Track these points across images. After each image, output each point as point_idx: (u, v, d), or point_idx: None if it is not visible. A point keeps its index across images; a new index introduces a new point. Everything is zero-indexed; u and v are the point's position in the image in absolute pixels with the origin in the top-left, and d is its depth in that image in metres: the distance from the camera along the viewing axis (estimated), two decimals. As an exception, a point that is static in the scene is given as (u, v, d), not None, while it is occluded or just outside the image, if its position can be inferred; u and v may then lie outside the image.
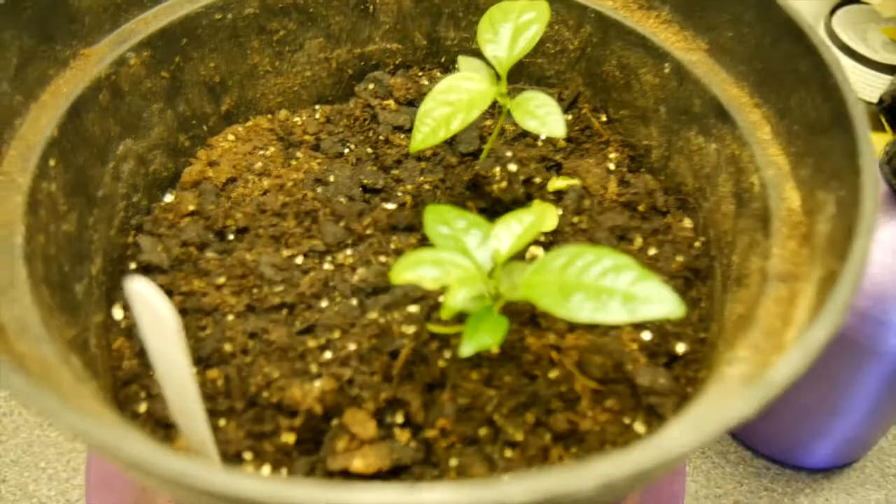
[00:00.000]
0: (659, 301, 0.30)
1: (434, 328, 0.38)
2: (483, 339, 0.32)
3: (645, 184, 0.44)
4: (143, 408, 0.37)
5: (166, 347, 0.27)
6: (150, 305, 0.26)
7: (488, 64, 0.40)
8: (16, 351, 0.28)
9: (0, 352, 0.23)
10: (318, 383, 0.36)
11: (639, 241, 0.42)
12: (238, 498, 0.20)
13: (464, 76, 0.39)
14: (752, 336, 0.30)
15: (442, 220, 0.36)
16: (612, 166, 0.45)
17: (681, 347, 0.38)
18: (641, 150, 0.45)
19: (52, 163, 0.35)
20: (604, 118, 0.47)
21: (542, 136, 0.47)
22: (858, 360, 0.46)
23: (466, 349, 0.31)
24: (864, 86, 0.75)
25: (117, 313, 0.41)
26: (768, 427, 0.54)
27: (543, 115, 0.38)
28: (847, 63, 0.76)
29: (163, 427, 0.36)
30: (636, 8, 0.43)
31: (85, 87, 0.37)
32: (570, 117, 0.47)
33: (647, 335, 0.39)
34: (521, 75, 0.49)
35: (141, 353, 0.39)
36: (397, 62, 0.50)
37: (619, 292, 0.30)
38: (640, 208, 0.43)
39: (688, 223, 0.43)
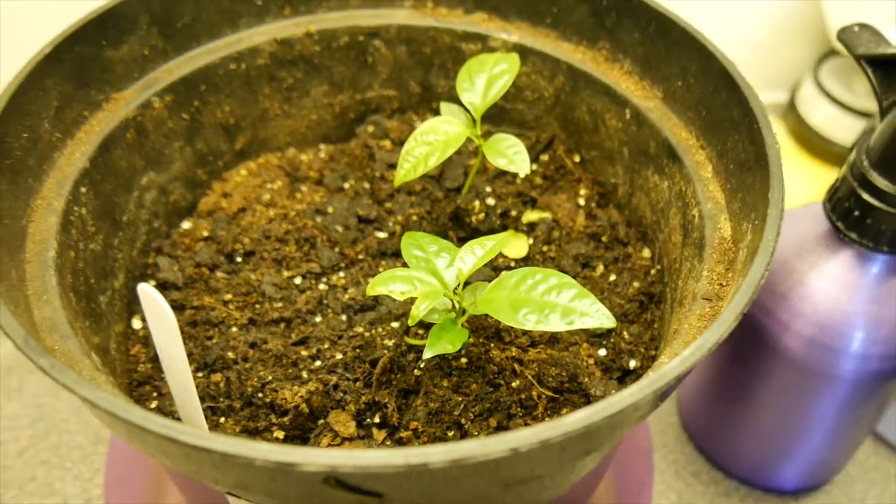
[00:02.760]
0: (593, 315, 0.35)
1: (411, 341, 0.43)
2: (444, 345, 0.37)
3: (609, 217, 0.49)
4: (153, 405, 0.43)
5: (168, 342, 0.33)
6: (155, 305, 0.31)
7: (466, 109, 0.45)
8: (46, 344, 0.34)
9: (34, 342, 0.29)
10: (306, 387, 0.41)
11: (600, 268, 0.46)
12: (196, 447, 0.25)
13: (443, 119, 0.45)
14: (674, 345, 0.34)
15: (417, 245, 0.41)
16: (581, 202, 0.50)
17: (633, 363, 0.43)
18: (609, 187, 0.50)
19: (83, 190, 0.41)
20: (577, 158, 0.52)
21: (521, 175, 0.52)
22: (813, 384, 0.50)
23: (428, 353, 0.36)
24: (849, 132, 0.80)
25: (136, 324, 0.46)
26: (736, 448, 0.58)
27: (512, 154, 0.44)
28: (833, 112, 0.81)
29: (169, 419, 0.41)
30: (602, 60, 0.48)
31: (114, 127, 0.43)
32: (546, 157, 0.52)
33: (602, 352, 0.43)
34: (504, 120, 0.54)
35: (155, 359, 0.44)
36: (394, 107, 0.55)
37: (560, 306, 0.35)
38: (604, 239, 0.48)
39: (646, 253, 0.47)
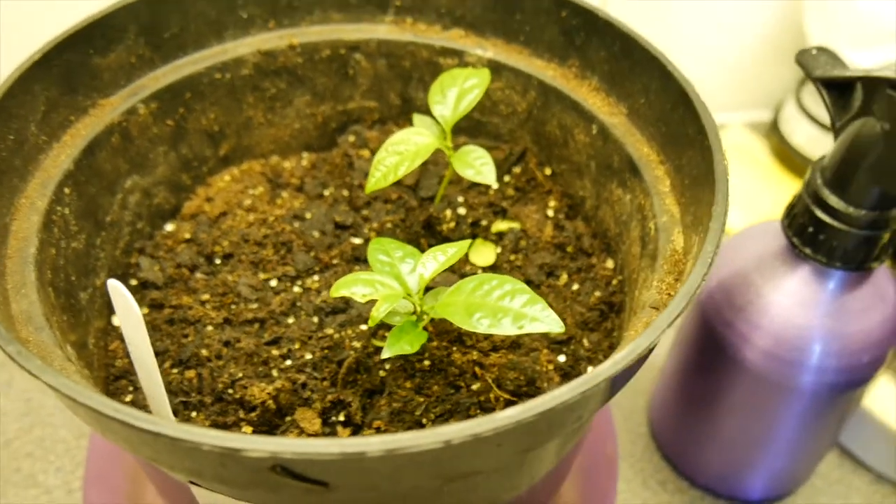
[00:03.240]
0: (542, 320, 0.36)
1: (377, 343, 0.44)
2: (403, 346, 0.38)
3: (576, 229, 0.50)
4: (129, 398, 0.44)
5: (137, 337, 0.34)
6: (124, 301, 0.33)
7: (437, 121, 0.47)
8: (20, 335, 0.36)
9: (5, 331, 0.30)
10: (275, 384, 0.43)
11: (564, 277, 0.48)
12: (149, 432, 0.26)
13: (414, 131, 0.46)
14: (618, 351, 0.36)
15: (383, 251, 0.42)
16: (550, 213, 0.52)
17: (590, 369, 0.44)
18: (578, 199, 0.52)
19: (66, 191, 0.43)
20: (548, 171, 0.54)
21: (492, 186, 0.53)
22: (773, 396, 0.51)
23: (386, 352, 0.38)
24: (828, 152, 0.81)
25: (116, 321, 0.48)
26: (702, 458, 0.59)
27: (479, 166, 0.45)
28: (814, 131, 0.82)
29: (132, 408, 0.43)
30: (572, 77, 0.50)
31: (99, 132, 0.45)
32: (518, 170, 0.54)
33: (562, 358, 0.45)
34: (480, 132, 0.56)
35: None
36: (375, 118, 0.57)
37: (512, 311, 0.37)
38: (570, 249, 0.49)
39: (609, 264, 0.49)
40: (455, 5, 0.53)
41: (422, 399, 0.43)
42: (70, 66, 0.44)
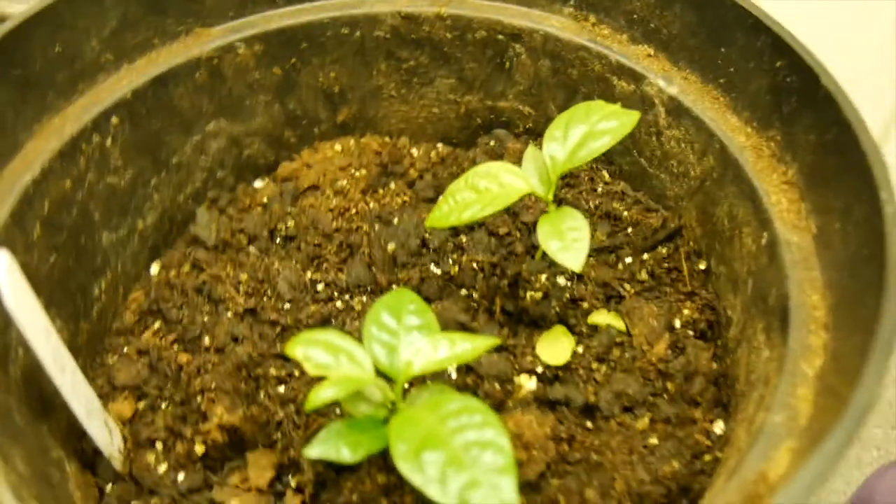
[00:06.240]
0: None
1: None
2: (336, 450, 0.29)
3: (697, 360, 0.36)
4: (126, 350, 0.40)
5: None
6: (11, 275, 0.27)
7: (544, 163, 0.35)
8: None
9: None
10: (244, 411, 0.36)
11: (645, 422, 0.34)
12: None
13: (506, 167, 0.35)
14: None
15: (392, 310, 0.32)
16: (677, 324, 0.37)
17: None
18: (723, 319, 0.37)
19: (114, 120, 0.38)
20: (702, 266, 0.39)
21: (628, 260, 0.40)
22: None
23: (310, 450, 0.29)
24: None
25: (154, 269, 0.44)
26: None
27: (570, 241, 0.33)
28: None
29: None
30: (765, 155, 0.35)
31: (180, 63, 0.40)
32: (664, 250, 0.40)
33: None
34: (643, 185, 0.42)
35: (146, 312, 0.41)
36: (527, 126, 0.46)
37: (476, 469, 0.26)
38: (671, 386, 0.35)
39: (717, 428, 0.34)
40: (651, 14, 0.39)
41: (385, 504, 0.33)
42: (166, -17, 0.39)
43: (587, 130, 0.34)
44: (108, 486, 0.35)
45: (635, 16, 0.39)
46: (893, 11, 0.50)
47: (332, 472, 0.35)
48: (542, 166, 0.35)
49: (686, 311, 0.38)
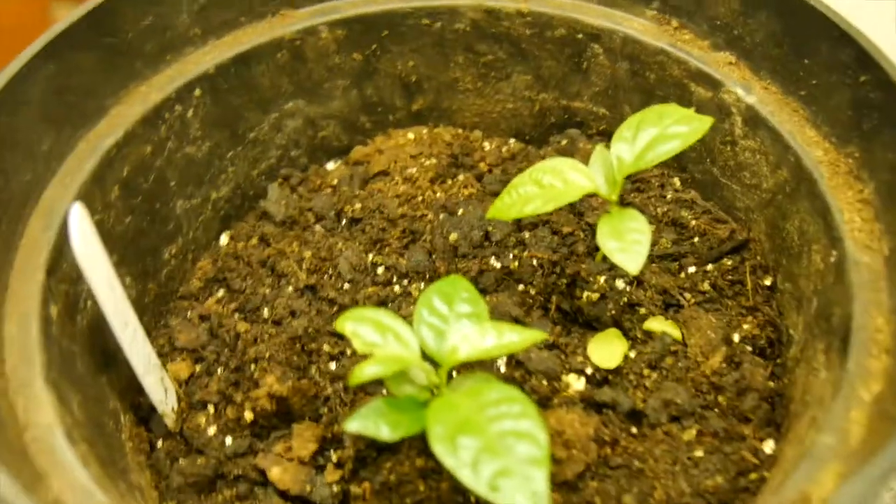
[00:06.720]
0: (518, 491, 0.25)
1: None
2: (375, 427, 0.29)
3: (752, 377, 0.35)
4: (189, 314, 0.41)
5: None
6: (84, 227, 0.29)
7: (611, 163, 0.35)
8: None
9: None
10: (299, 384, 0.37)
11: (692, 433, 0.34)
12: None
13: (572, 163, 0.35)
14: None
15: (446, 295, 0.33)
16: (735, 338, 0.36)
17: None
18: (784, 337, 0.36)
19: (197, 93, 0.40)
20: (767, 282, 0.38)
21: (691, 269, 0.39)
22: None
23: (350, 424, 0.29)
24: None
25: (223, 239, 0.45)
26: None
27: (630, 243, 0.33)
28: None
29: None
30: (842, 171, 0.34)
31: (263, 43, 0.41)
32: (729, 262, 0.39)
33: None
34: (714, 195, 0.41)
35: (212, 280, 0.43)
36: (601, 128, 0.45)
37: (509, 458, 0.26)
38: (722, 400, 0.34)
39: (767, 448, 0.33)
40: (735, 21, 0.38)
41: (423, 488, 0.33)
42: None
43: (657, 133, 0.34)
44: (159, 442, 0.37)
45: (719, 22, 0.39)
46: None
47: (372, 451, 0.35)
48: (608, 166, 0.35)
49: (746, 326, 0.37)
